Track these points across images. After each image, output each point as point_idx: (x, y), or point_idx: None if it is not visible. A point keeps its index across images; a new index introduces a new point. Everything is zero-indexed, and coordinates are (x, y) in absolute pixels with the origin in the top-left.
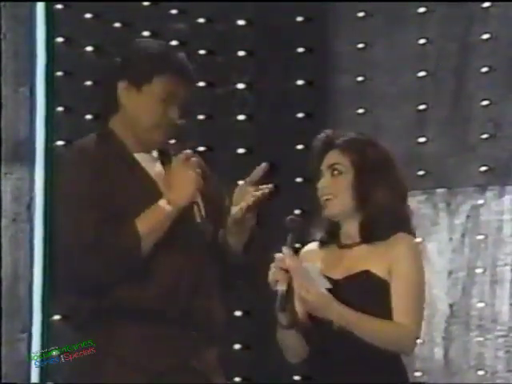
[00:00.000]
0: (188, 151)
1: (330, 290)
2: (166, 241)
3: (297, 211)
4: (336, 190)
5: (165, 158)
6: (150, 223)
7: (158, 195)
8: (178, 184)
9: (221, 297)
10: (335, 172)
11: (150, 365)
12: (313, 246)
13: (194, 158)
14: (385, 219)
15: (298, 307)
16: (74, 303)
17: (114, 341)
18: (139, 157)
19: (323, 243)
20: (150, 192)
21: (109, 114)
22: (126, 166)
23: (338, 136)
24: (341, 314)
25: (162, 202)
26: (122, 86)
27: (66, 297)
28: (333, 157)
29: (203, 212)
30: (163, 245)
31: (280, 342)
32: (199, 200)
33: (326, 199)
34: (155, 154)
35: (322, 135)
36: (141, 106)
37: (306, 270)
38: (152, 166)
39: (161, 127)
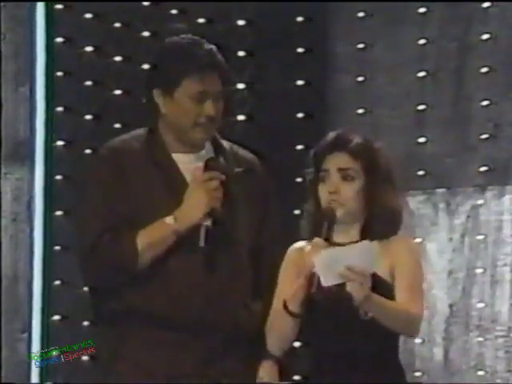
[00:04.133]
0: (216, 174)
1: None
2: (165, 259)
3: (297, 211)
4: (346, 195)
5: (212, 162)
6: (151, 238)
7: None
8: (189, 202)
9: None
10: (347, 177)
11: (161, 370)
12: (298, 244)
13: (216, 181)
14: (387, 222)
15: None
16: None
17: (127, 343)
18: (177, 157)
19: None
20: (179, 196)
21: (153, 118)
22: (160, 167)
23: (348, 138)
24: (377, 302)
25: (169, 218)
26: (157, 93)
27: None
28: (343, 160)
29: (209, 238)
30: (162, 261)
31: (273, 331)
32: (208, 223)
33: (333, 202)
34: (205, 153)
35: (332, 134)
36: (177, 110)
37: (365, 250)
38: (189, 167)
39: (200, 125)
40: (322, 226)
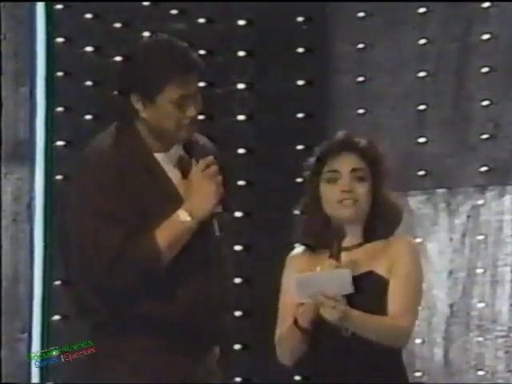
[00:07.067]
0: (209, 158)
1: None
2: (184, 254)
3: (296, 211)
4: (358, 196)
5: (183, 161)
6: (170, 236)
7: (179, 200)
8: (199, 195)
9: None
10: (360, 178)
11: (160, 375)
12: (299, 250)
13: (214, 166)
14: (388, 222)
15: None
16: (94, 304)
17: (128, 347)
18: (159, 157)
19: (310, 248)
20: (171, 197)
21: (130, 117)
22: (147, 168)
23: (355, 139)
24: (355, 320)
25: (183, 214)
26: (135, 98)
27: (82, 295)
28: (354, 161)
29: (223, 224)
30: (181, 258)
31: (284, 344)
32: (220, 210)
33: (346, 202)
34: (175, 151)
35: (339, 135)
36: (159, 115)
37: (340, 278)
38: (171, 167)
39: (184, 127)
40: (332, 245)
